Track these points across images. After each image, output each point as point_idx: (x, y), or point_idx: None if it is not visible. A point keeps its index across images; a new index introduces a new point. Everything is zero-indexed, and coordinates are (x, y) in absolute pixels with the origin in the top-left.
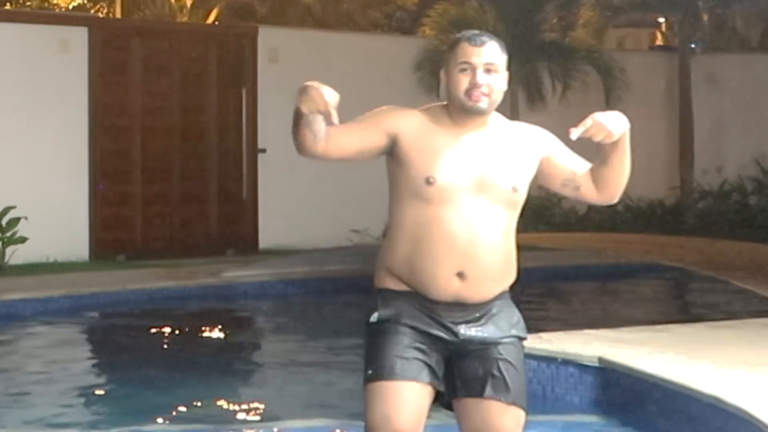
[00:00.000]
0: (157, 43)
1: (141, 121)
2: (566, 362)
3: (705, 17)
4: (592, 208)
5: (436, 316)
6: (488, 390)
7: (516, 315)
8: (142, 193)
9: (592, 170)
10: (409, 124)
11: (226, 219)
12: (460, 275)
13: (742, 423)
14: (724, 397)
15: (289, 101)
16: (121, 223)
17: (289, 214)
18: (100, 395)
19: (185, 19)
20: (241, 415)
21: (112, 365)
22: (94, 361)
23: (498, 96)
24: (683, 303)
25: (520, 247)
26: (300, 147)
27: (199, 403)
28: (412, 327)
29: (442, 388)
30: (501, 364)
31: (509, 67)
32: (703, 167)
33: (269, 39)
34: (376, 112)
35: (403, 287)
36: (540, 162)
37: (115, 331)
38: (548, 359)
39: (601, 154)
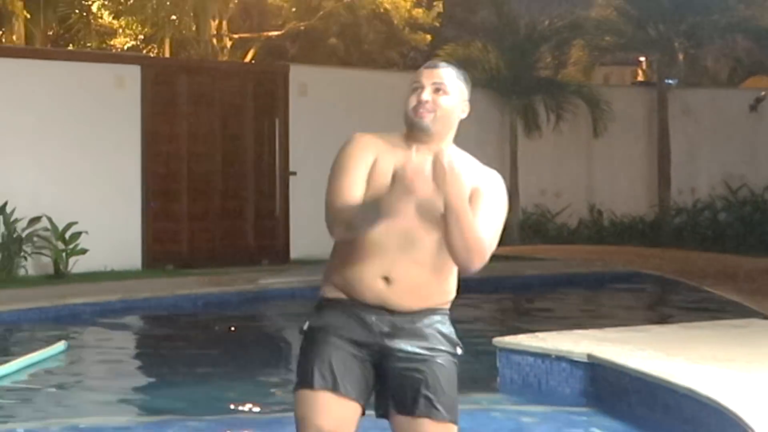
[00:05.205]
0: (201, 79)
1: (187, 148)
2: (559, 358)
3: (680, 56)
4: (582, 223)
5: (366, 321)
6: (419, 408)
7: (448, 330)
8: (188, 210)
9: None
10: (375, 151)
11: (262, 233)
12: (386, 279)
13: (713, 411)
14: (697, 389)
15: (317, 129)
16: (170, 236)
17: (317, 228)
18: (150, 386)
19: (225, 58)
20: (273, 402)
21: (161, 360)
22: (145, 357)
23: (445, 115)
24: (661, 306)
25: (519, 258)
26: (353, 237)
27: (236, 393)
28: (340, 336)
29: (362, 402)
30: (430, 381)
31: (510, 104)
32: (679, 187)
33: (299, 75)
34: (351, 155)
35: (339, 295)
36: None
37: (165, 331)
38: (543, 356)
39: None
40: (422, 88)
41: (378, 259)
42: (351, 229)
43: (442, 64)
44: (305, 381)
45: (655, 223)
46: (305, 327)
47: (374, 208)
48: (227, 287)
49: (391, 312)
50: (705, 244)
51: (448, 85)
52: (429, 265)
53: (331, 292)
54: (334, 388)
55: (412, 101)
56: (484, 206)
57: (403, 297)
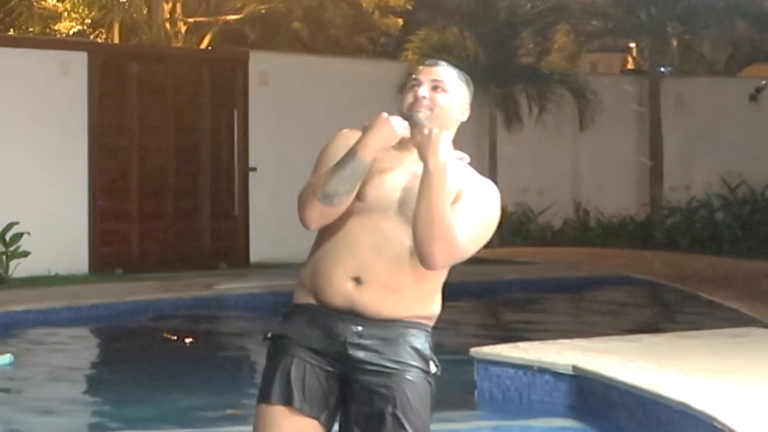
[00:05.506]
0: (153, 66)
1: (138, 141)
2: (542, 370)
3: (674, 42)
4: (567, 223)
5: (332, 329)
6: (386, 429)
7: (422, 345)
8: (138, 210)
9: None
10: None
11: (219, 234)
12: (356, 280)
13: (710, 428)
14: (692, 404)
15: (279, 122)
16: (119, 238)
17: (278, 229)
18: (97, 401)
19: (180, 44)
20: (229, 417)
21: (109, 373)
22: (92, 370)
23: (442, 114)
24: (653, 314)
25: (499, 261)
26: (331, 209)
27: (188, 407)
28: (303, 346)
29: (324, 420)
30: (398, 399)
31: (490, 99)
32: (672, 185)
33: (260, 63)
34: (335, 149)
35: (308, 299)
36: None
37: (113, 340)
38: (525, 367)
39: None
40: (420, 84)
41: (349, 257)
42: (327, 197)
43: (443, 63)
44: (264, 394)
45: (646, 223)
46: (268, 335)
47: (346, 157)
48: (181, 293)
49: (361, 317)
50: (700, 246)
51: (448, 84)
52: (406, 268)
53: (301, 297)
54: (291, 404)
55: (409, 98)
56: (464, 205)
57: (373, 300)
